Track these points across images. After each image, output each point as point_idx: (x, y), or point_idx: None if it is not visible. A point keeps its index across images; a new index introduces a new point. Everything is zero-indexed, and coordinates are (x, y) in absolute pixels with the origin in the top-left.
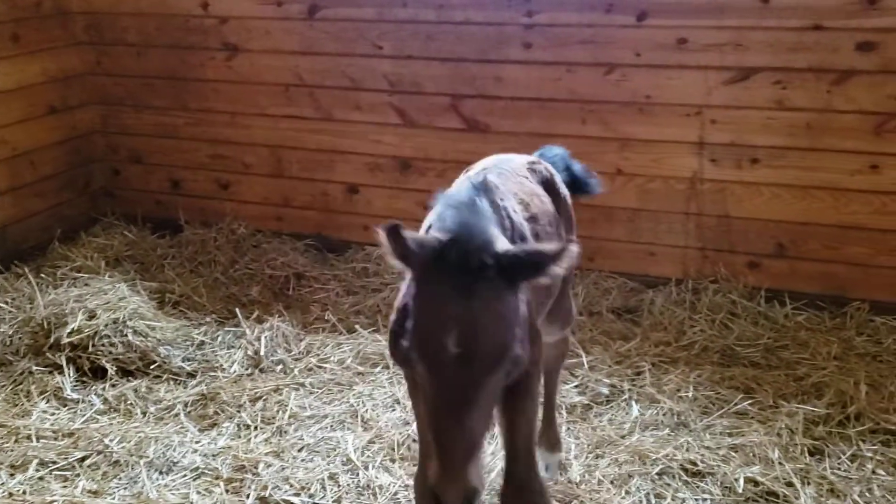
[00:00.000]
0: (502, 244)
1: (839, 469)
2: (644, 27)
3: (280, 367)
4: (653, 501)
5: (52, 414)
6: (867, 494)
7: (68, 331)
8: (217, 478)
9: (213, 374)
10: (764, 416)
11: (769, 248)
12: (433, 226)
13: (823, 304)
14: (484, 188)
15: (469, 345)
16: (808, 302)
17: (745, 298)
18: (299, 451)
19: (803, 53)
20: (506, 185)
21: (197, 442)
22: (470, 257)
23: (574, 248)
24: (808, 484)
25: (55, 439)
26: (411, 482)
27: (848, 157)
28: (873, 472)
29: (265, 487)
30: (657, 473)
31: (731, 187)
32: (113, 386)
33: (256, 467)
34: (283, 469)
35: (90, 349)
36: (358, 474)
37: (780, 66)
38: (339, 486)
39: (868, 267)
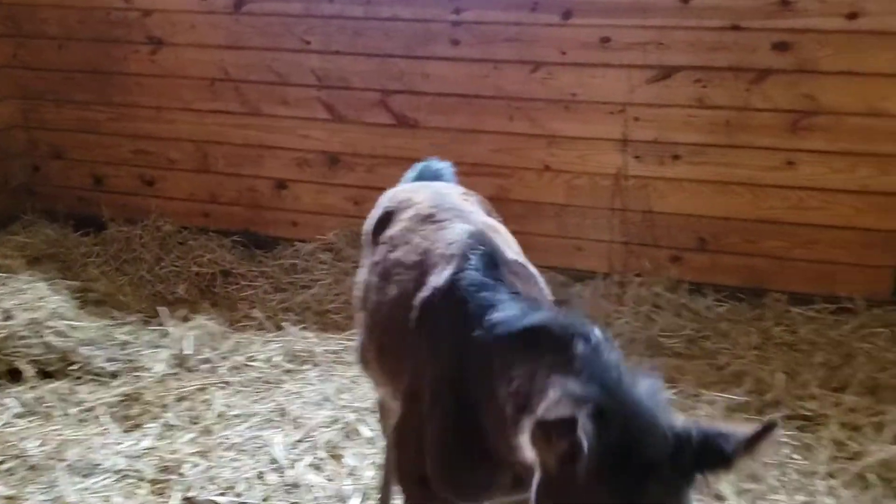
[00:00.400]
0: (670, 420)
1: None
2: (569, 26)
3: (206, 365)
4: None
5: None
6: (783, 478)
7: None
8: (141, 480)
9: (136, 374)
10: (686, 405)
11: (691, 242)
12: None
13: (743, 296)
14: (500, 260)
15: None
16: (728, 294)
17: (669, 291)
18: (226, 450)
19: (723, 53)
20: (493, 234)
21: (120, 444)
22: (641, 448)
23: (778, 432)
24: None
25: None
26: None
27: (765, 153)
28: (789, 456)
29: (190, 488)
30: None
31: (654, 183)
32: (31, 388)
33: (181, 468)
34: (209, 469)
35: (7, 351)
36: (286, 473)
37: (700, 65)
38: (266, 484)
39: (785, 260)
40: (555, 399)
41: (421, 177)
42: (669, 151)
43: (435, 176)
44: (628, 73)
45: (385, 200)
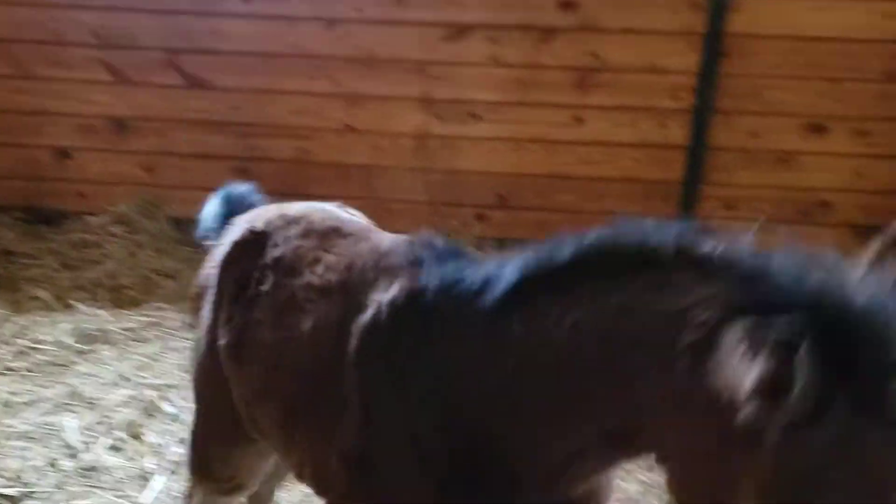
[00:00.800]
0: None
1: None
2: None
3: None
4: None
5: None
6: None
7: None
8: None
9: None
10: None
11: (492, 199)
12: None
13: None
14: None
15: None
16: None
17: (476, 249)
18: (12, 439)
19: (512, 11)
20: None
21: None
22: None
23: None
24: None
25: None
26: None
27: (555, 110)
28: None
29: None
30: None
31: (454, 142)
32: None
33: None
34: None
35: None
36: (81, 457)
37: (492, 23)
38: (59, 471)
39: (576, 213)
40: (747, 344)
41: (229, 204)
42: (468, 110)
43: (243, 202)
44: (426, 31)
45: (244, 222)
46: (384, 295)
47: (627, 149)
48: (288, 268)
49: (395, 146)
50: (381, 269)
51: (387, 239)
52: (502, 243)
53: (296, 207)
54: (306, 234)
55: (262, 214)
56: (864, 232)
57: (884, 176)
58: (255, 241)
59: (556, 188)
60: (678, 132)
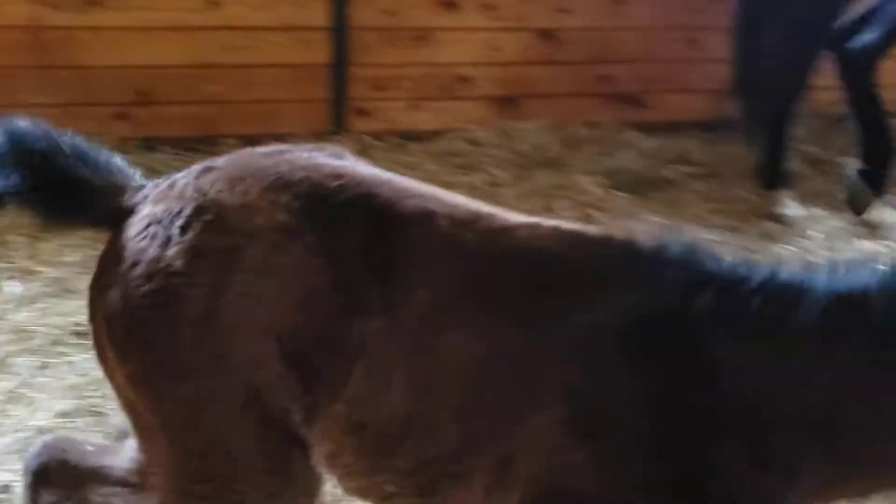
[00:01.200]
0: None
1: None
2: None
3: None
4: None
5: None
6: None
7: None
8: None
9: None
10: None
11: (131, 96)
12: None
13: (198, 147)
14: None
15: None
16: (186, 146)
17: (121, 151)
18: None
19: None
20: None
21: None
22: None
23: None
24: None
25: None
26: None
27: None
28: None
29: None
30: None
31: (77, 34)
32: None
33: None
34: None
35: None
36: None
37: None
38: None
39: (227, 104)
40: None
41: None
42: None
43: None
44: None
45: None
46: (621, 295)
47: (269, 32)
48: (401, 279)
49: (3, 42)
50: (584, 277)
51: (545, 230)
52: (149, 143)
53: (324, 189)
54: (404, 230)
55: (256, 205)
56: (501, 103)
57: (513, 48)
58: (383, 244)
59: (201, 79)
60: (319, 13)
